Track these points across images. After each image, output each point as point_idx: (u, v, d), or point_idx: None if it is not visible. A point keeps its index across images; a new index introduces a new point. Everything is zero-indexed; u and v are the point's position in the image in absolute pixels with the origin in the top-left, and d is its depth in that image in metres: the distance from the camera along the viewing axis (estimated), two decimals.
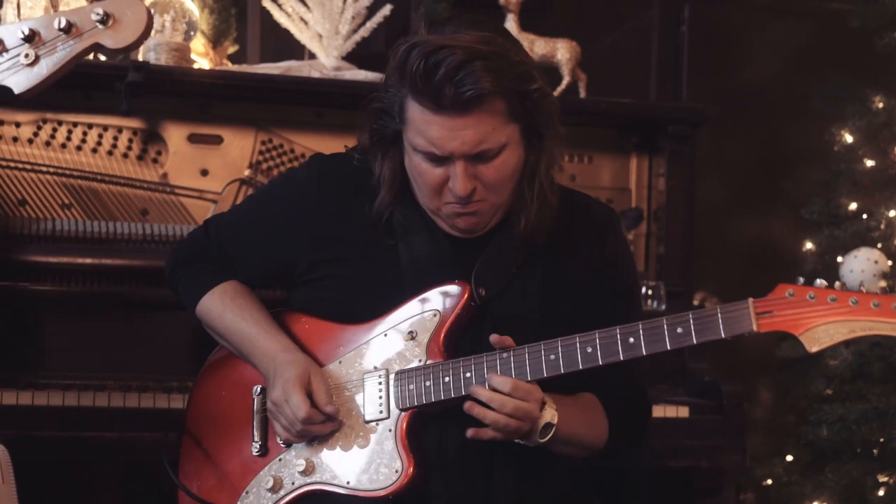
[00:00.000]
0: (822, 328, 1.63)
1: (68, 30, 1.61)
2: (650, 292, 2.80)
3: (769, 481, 3.18)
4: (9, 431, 2.18)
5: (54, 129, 2.67)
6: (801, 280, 1.66)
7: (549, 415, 1.74)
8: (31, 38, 1.61)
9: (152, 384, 2.38)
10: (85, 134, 2.69)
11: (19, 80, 1.62)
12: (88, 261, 2.54)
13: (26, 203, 2.62)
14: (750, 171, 3.82)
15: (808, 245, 3.19)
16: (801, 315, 1.65)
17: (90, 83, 2.64)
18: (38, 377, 2.36)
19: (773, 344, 3.12)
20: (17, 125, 2.64)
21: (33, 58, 1.61)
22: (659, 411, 2.56)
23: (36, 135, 2.65)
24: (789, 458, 3.15)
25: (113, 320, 2.49)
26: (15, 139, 2.64)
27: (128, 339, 2.48)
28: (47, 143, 2.66)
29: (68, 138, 2.67)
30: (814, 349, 1.64)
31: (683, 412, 2.60)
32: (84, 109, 2.68)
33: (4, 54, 1.62)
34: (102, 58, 2.62)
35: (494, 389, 1.71)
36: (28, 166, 2.64)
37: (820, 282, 1.65)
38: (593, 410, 1.88)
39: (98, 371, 2.42)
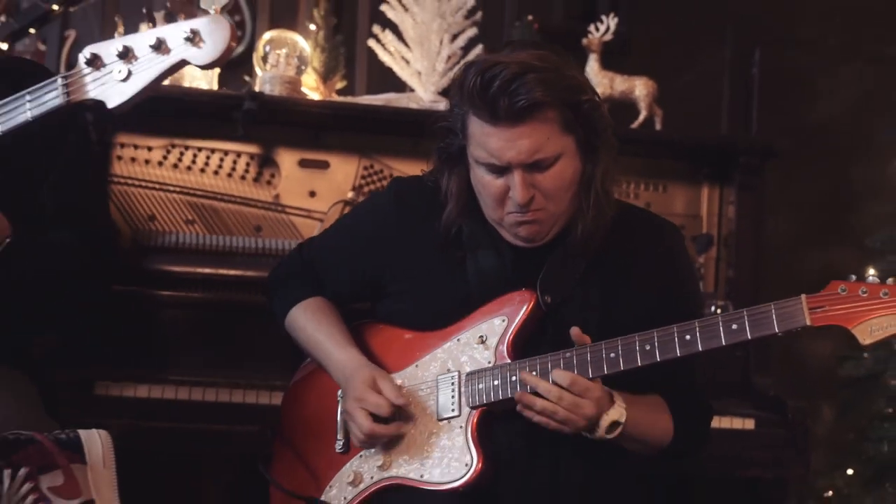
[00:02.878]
0: (876, 321, 1.57)
1: (158, 47, 1.57)
2: (719, 311, 2.73)
3: (830, 493, 3.07)
4: (126, 421, 2.25)
5: (181, 154, 2.72)
6: (853, 277, 1.59)
7: (618, 413, 1.71)
8: (124, 54, 1.58)
9: (257, 381, 2.39)
10: (208, 158, 2.73)
11: (112, 95, 1.59)
12: (207, 271, 2.59)
13: (155, 218, 2.68)
14: (817, 204, 3.71)
15: (871, 271, 3.07)
16: (854, 309, 1.58)
17: (212, 112, 2.69)
18: (159, 373, 2.39)
19: (835, 362, 3.02)
20: (149, 149, 2.70)
21: (126, 74, 1.58)
22: (726, 423, 2.50)
23: (165, 158, 2.71)
24: (850, 471, 3.04)
25: (226, 324, 2.52)
26: (147, 162, 2.69)
27: (238, 341, 2.50)
28: (174, 166, 2.71)
29: (193, 161, 2.72)
30: (867, 341, 1.57)
31: (749, 424, 2.53)
32: (207, 136, 2.72)
33: (101, 70, 1.60)
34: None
35: (555, 383, 1.68)
36: (157, 186, 2.70)
37: (871, 277, 1.58)
38: (660, 411, 1.84)
39: (211, 369, 2.44)
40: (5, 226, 1.79)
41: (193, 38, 1.57)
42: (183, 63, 1.59)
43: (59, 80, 1.62)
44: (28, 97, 1.64)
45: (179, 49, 1.57)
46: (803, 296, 1.60)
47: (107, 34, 3.07)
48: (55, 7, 3.09)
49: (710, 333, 1.66)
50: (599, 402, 1.69)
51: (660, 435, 1.83)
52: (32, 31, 3.17)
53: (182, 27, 1.58)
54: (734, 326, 1.64)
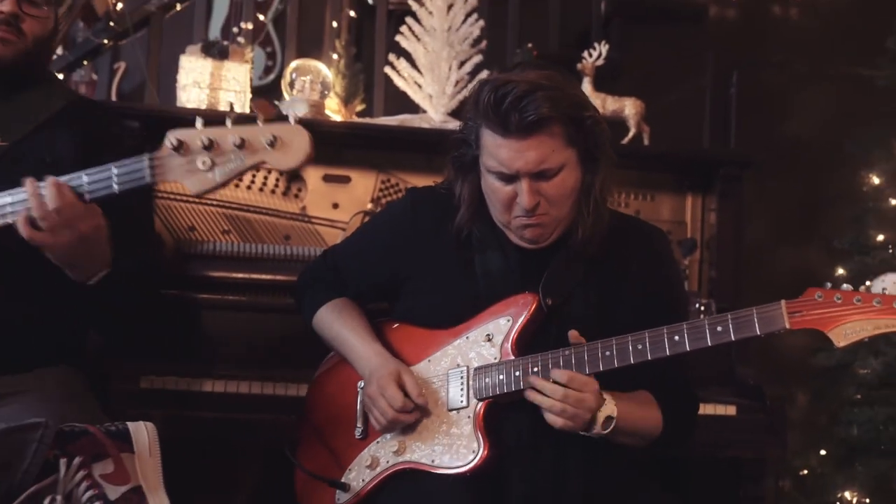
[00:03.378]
0: (849, 325, 1.55)
1: (242, 145, 1.55)
2: (703, 308, 2.71)
3: (805, 472, 3.05)
4: (169, 412, 2.23)
5: None
6: (829, 285, 1.57)
7: (610, 409, 1.70)
8: (210, 146, 1.55)
9: (286, 375, 2.36)
10: (242, 174, 2.70)
11: (195, 183, 1.56)
12: (241, 275, 2.57)
13: (195, 229, 2.67)
14: (790, 210, 3.71)
15: (840, 271, 3.07)
16: (829, 314, 1.57)
17: None
18: (199, 367, 2.37)
19: (809, 354, 3.00)
20: None
21: (210, 164, 1.55)
22: (710, 409, 2.47)
23: None
24: (823, 452, 3.03)
25: (259, 323, 2.49)
26: None
27: (269, 338, 2.48)
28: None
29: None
30: (841, 344, 1.56)
31: (731, 411, 2.49)
32: None
33: (186, 156, 1.57)
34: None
35: (556, 382, 1.68)
36: (196, 200, 2.68)
37: (845, 286, 1.56)
38: (648, 405, 1.82)
39: (245, 364, 2.42)
40: (107, 259, 1.77)
41: (275, 142, 1.54)
42: (263, 163, 1.56)
43: (146, 160, 1.59)
44: (115, 170, 1.62)
45: (262, 152, 1.55)
46: (783, 301, 1.59)
47: (151, 66, 3.07)
48: (106, 41, 3.09)
49: (697, 334, 1.65)
50: (596, 394, 1.69)
51: (650, 427, 1.82)
52: (86, 62, 3.17)
53: (265, 132, 1.55)
54: (719, 328, 1.63)
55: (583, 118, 1.72)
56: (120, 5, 3.10)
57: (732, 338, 1.62)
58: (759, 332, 1.60)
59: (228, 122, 1.56)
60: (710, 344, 1.63)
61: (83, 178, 1.64)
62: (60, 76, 2.93)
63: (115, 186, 1.62)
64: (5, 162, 1.82)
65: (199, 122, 1.58)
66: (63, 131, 1.90)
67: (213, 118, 2.61)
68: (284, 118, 1.57)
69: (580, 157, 1.75)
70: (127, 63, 3.60)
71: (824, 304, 1.56)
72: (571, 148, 1.73)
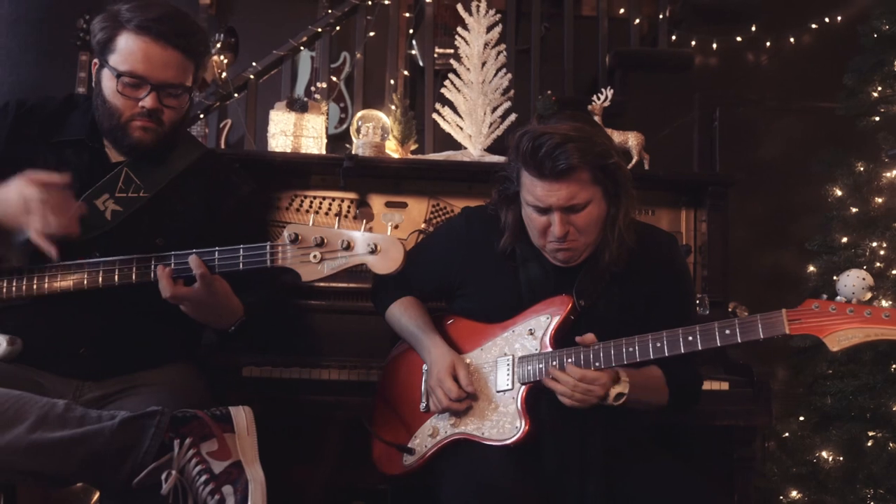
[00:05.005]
0: (843, 333, 1.44)
1: (347, 247, 1.50)
2: (698, 301, 2.58)
3: (787, 435, 2.89)
4: (266, 395, 2.17)
5: (301, 200, 2.63)
6: (825, 296, 1.46)
7: (623, 386, 1.63)
8: (320, 243, 1.51)
9: (360, 362, 2.28)
10: (320, 203, 2.64)
11: (306, 272, 1.52)
12: (323, 284, 2.45)
13: None
14: (767, 218, 3.55)
15: (811, 268, 2.91)
16: (825, 322, 1.46)
17: (322, 170, 2.61)
18: (293, 358, 2.29)
19: (787, 336, 2.84)
20: (278, 198, 2.62)
21: (320, 259, 1.51)
22: (707, 385, 2.31)
23: (290, 204, 2.62)
24: (802, 418, 2.86)
25: (343, 322, 2.43)
26: (277, 208, 2.61)
27: (352, 334, 2.40)
28: (297, 209, 2.63)
29: (310, 205, 2.63)
30: (835, 349, 1.44)
31: (724, 386, 2.35)
32: (320, 187, 2.64)
33: (301, 249, 1.52)
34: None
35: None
36: (283, 224, 2.60)
37: (839, 298, 1.44)
38: (657, 381, 1.74)
39: (328, 353, 2.35)
40: (238, 309, 1.71)
41: (375, 249, 1.49)
42: (363, 265, 1.50)
43: (267, 248, 1.55)
44: (242, 252, 1.57)
45: (363, 255, 1.50)
46: (784, 310, 1.49)
47: (249, 120, 3.05)
48: (215, 102, 3.09)
49: (707, 336, 1.56)
50: (605, 385, 1.61)
51: (658, 398, 1.74)
52: (201, 117, 3.16)
53: (367, 239, 1.50)
54: (727, 331, 1.54)
55: (606, 165, 1.64)
56: (224, 74, 3.11)
57: (738, 340, 1.52)
58: (761, 336, 1.50)
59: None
60: (719, 344, 1.54)
61: (215, 255, 1.59)
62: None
63: (241, 265, 1.57)
64: (147, 210, 1.76)
65: (311, 220, 1.55)
66: (193, 181, 1.82)
67: (297, 160, 2.63)
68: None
69: (605, 194, 1.67)
70: (231, 119, 3.58)
71: (820, 313, 1.46)
72: (597, 186, 1.65)
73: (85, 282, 1.64)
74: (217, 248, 1.59)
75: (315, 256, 1.51)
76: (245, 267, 1.57)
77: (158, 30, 1.67)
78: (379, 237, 1.50)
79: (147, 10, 1.68)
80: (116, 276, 1.64)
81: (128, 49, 1.67)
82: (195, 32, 1.74)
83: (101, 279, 1.64)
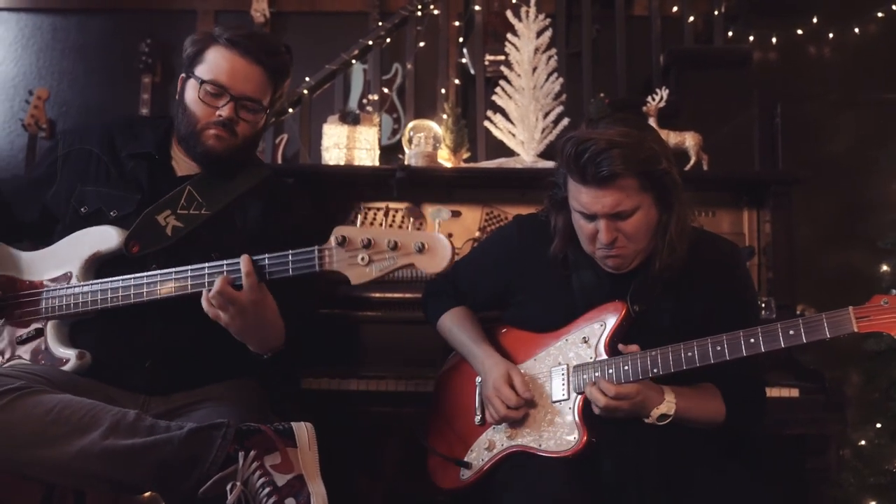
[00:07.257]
0: None
1: (395, 247, 1.47)
2: (763, 305, 2.47)
3: (863, 443, 2.75)
4: (324, 407, 2.17)
5: (358, 211, 2.65)
6: (894, 291, 1.37)
7: (666, 407, 1.58)
8: (368, 245, 1.47)
9: (416, 373, 2.26)
10: (376, 213, 2.65)
11: (354, 275, 1.49)
12: (377, 295, 2.45)
13: None
14: (834, 216, 3.40)
15: (885, 267, 2.78)
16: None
17: (377, 182, 2.62)
18: (347, 370, 2.30)
19: (860, 339, 2.71)
20: (332, 210, 2.63)
21: (367, 261, 1.48)
22: (775, 392, 2.22)
23: (347, 215, 2.64)
24: (878, 425, 2.72)
25: (396, 332, 2.40)
26: (334, 217, 2.62)
27: (405, 344, 2.37)
28: (352, 221, 2.64)
29: (366, 216, 2.64)
30: None
31: (794, 393, 2.24)
32: (374, 198, 2.65)
33: (349, 251, 1.49)
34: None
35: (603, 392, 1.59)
36: None
37: None
38: (709, 398, 1.66)
39: (383, 366, 2.33)
40: (280, 335, 1.72)
41: (423, 248, 1.46)
42: (412, 265, 1.47)
43: (316, 252, 1.53)
44: (291, 257, 1.56)
45: (411, 255, 1.47)
46: (850, 308, 1.41)
47: (303, 134, 3.08)
48: (273, 119, 3.13)
49: (771, 337, 1.47)
50: (636, 405, 1.57)
51: (710, 417, 1.65)
52: None
53: (416, 238, 1.47)
54: (791, 332, 1.45)
55: (654, 171, 1.56)
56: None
57: (804, 340, 1.44)
58: (828, 335, 1.42)
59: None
60: (783, 346, 1.45)
61: (265, 260, 1.59)
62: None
63: (290, 271, 1.56)
64: (207, 227, 1.79)
65: (358, 221, 1.52)
66: (255, 201, 1.85)
67: (350, 172, 2.65)
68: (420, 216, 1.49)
69: (655, 200, 1.60)
70: (287, 134, 3.63)
71: (890, 309, 1.37)
72: (645, 193, 1.58)
73: (174, 289, 1.65)
74: (267, 255, 1.59)
75: (363, 259, 1.48)
76: (294, 272, 1.56)
77: (247, 45, 1.75)
78: (426, 235, 1.47)
79: (239, 28, 1.78)
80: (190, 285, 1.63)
81: (215, 60, 1.75)
82: (281, 54, 1.81)
83: (189, 286, 1.64)
